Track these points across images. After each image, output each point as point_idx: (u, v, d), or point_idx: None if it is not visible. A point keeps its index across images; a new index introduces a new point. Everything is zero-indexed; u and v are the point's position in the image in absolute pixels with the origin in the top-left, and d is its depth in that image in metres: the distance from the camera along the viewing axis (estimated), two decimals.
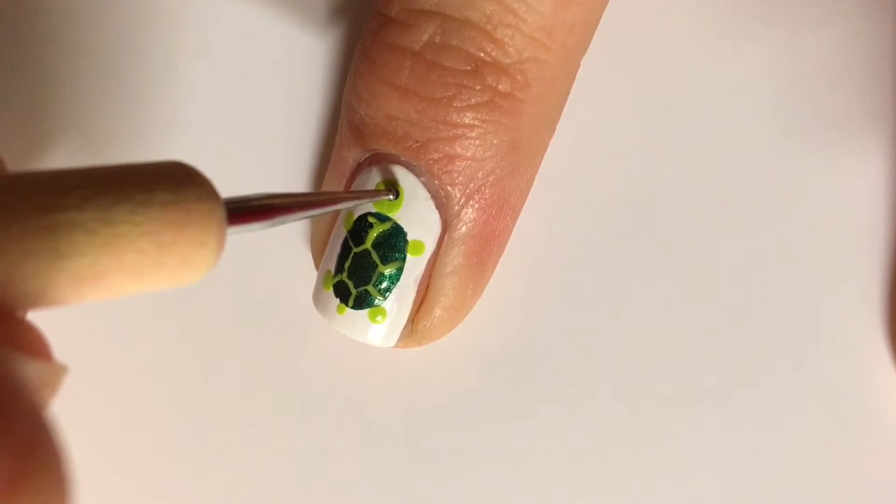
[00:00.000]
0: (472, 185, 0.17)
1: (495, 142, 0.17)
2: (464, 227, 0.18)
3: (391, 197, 0.17)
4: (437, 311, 0.18)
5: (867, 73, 0.19)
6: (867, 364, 0.19)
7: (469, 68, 0.17)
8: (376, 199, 0.17)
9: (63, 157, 0.20)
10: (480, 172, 0.17)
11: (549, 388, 0.20)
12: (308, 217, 0.15)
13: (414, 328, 0.18)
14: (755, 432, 0.19)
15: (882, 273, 0.19)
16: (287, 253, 0.20)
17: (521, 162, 0.18)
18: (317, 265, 0.19)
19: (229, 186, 0.20)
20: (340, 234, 0.18)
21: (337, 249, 0.18)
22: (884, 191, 0.19)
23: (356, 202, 0.17)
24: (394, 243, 0.18)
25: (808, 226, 0.19)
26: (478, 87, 0.17)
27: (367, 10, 0.20)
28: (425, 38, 0.17)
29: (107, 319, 0.20)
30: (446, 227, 0.18)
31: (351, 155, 0.18)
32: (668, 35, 0.20)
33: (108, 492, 0.20)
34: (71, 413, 0.19)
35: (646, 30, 0.19)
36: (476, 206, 0.18)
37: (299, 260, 0.20)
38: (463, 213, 0.18)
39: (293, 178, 0.20)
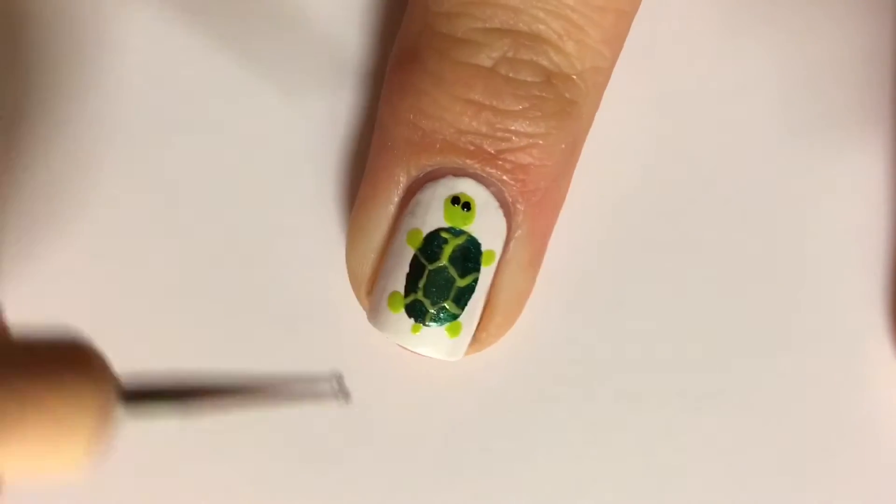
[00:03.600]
0: (539, 190, 0.18)
1: (562, 146, 0.18)
2: (526, 231, 0.18)
3: (341, 401, 0.15)
4: (500, 317, 0.19)
5: (867, 72, 0.20)
6: (868, 364, 0.20)
7: (541, 80, 0.17)
8: (319, 400, 0.15)
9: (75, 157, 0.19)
10: (548, 177, 0.18)
11: (550, 388, 0.20)
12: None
13: (477, 337, 0.19)
14: (755, 432, 0.20)
15: (882, 273, 0.20)
16: (290, 251, 0.20)
17: (573, 162, 0.19)
18: (359, 288, 0.19)
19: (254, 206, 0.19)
20: (406, 252, 0.18)
21: (405, 268, 0.18)
22: (884, 191, 0.20)
23: (294, 402, 0.15)
24: (470, 256, 0.18)
25: (807, 225, 0.20)
26: (551, 97, 0.17)
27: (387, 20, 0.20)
28: (497, 54, 0.17)
29: (106, 320, 0.19)
30: (510, 232, 0.18)
31: (404, 172, 0.18)
32: (668, 35, 0.20)
33: (108, 491, 0.19)
34: None
35: (646, 30, 0.20)
36: (538, 209, 0.18)
37: (302, 258, 0.20)
38: (525, 216, 0.18)
39: (320, 193, 0.20)
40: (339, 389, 0.15)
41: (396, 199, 0.18)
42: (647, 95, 0.20)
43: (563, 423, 0.20)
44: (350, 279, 0.19)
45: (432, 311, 0.18)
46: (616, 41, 0.18)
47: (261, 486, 0.19)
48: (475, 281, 0.18)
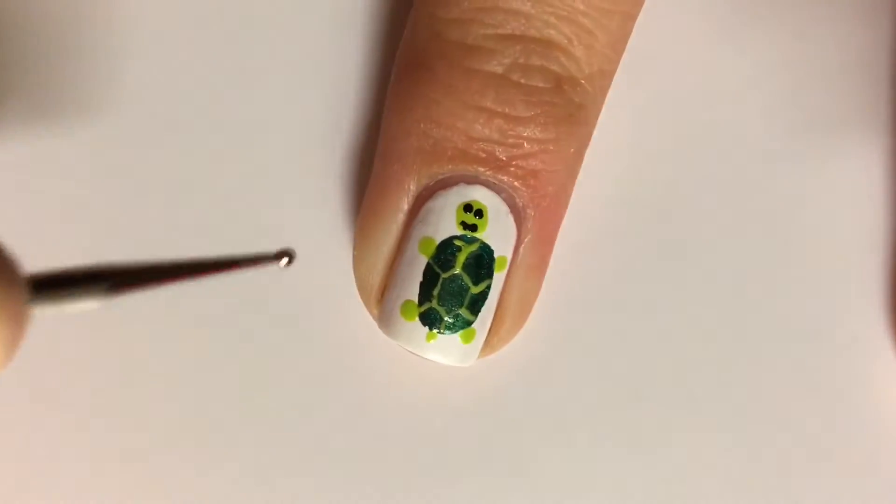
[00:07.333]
0: (547, 195, 0.18)
1: (571, 151, 0.18)
2: (535, 236, 0.18)
3: (281, 264, 0.14)
4: (511, 320, 0.19)
5: (867, 73, 0.20)
6: (867, 364, 0.20)
7: (552, 85, 0.17)
8: (261, 266, 0.14)
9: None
10: (556, 181, 0.18)
11: (551, 388, 0.20)
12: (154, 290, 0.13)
13: (489, 341, 0.19)
14: (755, 432, 0.20)
15: (882, 273, 0.20)
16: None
17: (579, 166, 0.19)
18: (368, 297, 0.19)
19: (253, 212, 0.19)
20: (418, 260, 0.18)
21: (418, 277, 0.18)
22: (884, 191, 0.20)
23: (237, 271, 0.14)
24: (483, 263, 0.18)
25: (807, 225, 0.20)
26: (561, 102, 0.17)
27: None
28: (509, 61, 0.17)
29: (106, 319, 0.19)
30: (520, 237, 0.18)
31: (414, 181, 0.18)
32: (668, 35, 0.20)
33: (108, 492, 0.19)
34: (71, 412, 0.19)
35: (646, 30, 0.20)
36: (546, 214, 0.18)
37: (303, 261, 0.20)
38: (534, 221, 0.18)
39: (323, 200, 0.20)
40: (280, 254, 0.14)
41: (406, 208, 0.18)
42: (647, 95, 0.21)
43: (563, 422, 0.20)
44: (358, 288, 0.19)
45: (447, 319, 0.18)
46: (621, 44, 0.18)
47: (261, 486, 0.19)
48: (488, 287, 0.18)
